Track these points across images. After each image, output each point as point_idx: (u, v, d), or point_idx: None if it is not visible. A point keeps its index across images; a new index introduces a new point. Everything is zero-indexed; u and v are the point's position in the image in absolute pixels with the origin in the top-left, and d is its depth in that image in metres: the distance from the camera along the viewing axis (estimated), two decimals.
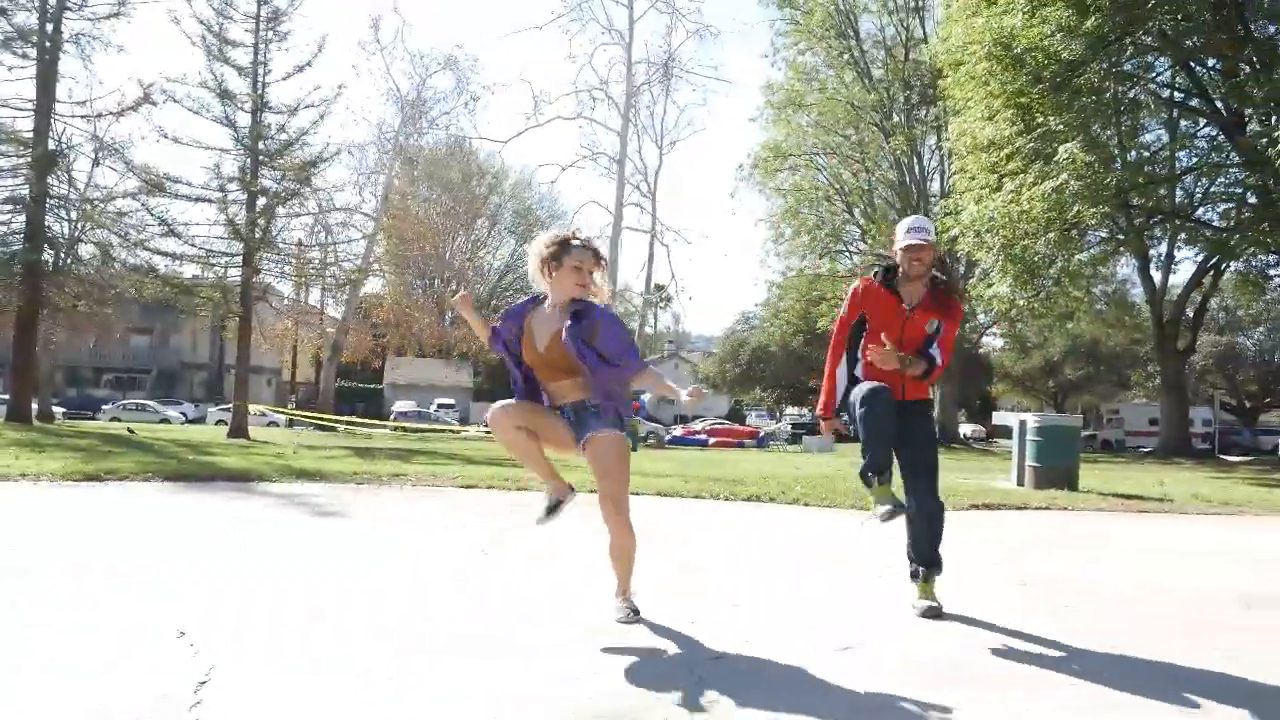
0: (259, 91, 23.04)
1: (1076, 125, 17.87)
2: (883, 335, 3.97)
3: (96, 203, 22.67)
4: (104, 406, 42.17)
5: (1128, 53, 18.93)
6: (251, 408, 28.90)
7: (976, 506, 8.77)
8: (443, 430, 31.81)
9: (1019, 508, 8.91)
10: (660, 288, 43.70)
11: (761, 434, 39.44)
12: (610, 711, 2.56)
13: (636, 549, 3.62)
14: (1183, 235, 27.66)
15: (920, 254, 3.98)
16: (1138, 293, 37.96)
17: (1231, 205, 22.69)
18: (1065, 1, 17.25)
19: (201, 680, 2.70)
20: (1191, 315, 33.60)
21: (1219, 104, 20.06)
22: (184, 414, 43.60)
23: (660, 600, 3.91)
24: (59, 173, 22.35)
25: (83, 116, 22.40)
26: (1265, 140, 16.04)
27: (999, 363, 53.39)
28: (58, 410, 31.46)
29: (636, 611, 3.60)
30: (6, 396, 25.23)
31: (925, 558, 4.03)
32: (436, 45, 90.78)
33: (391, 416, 39.83)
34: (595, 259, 3.60)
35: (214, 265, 23.79)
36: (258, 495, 8.04)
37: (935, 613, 3.93)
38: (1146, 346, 41.34)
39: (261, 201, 23.22)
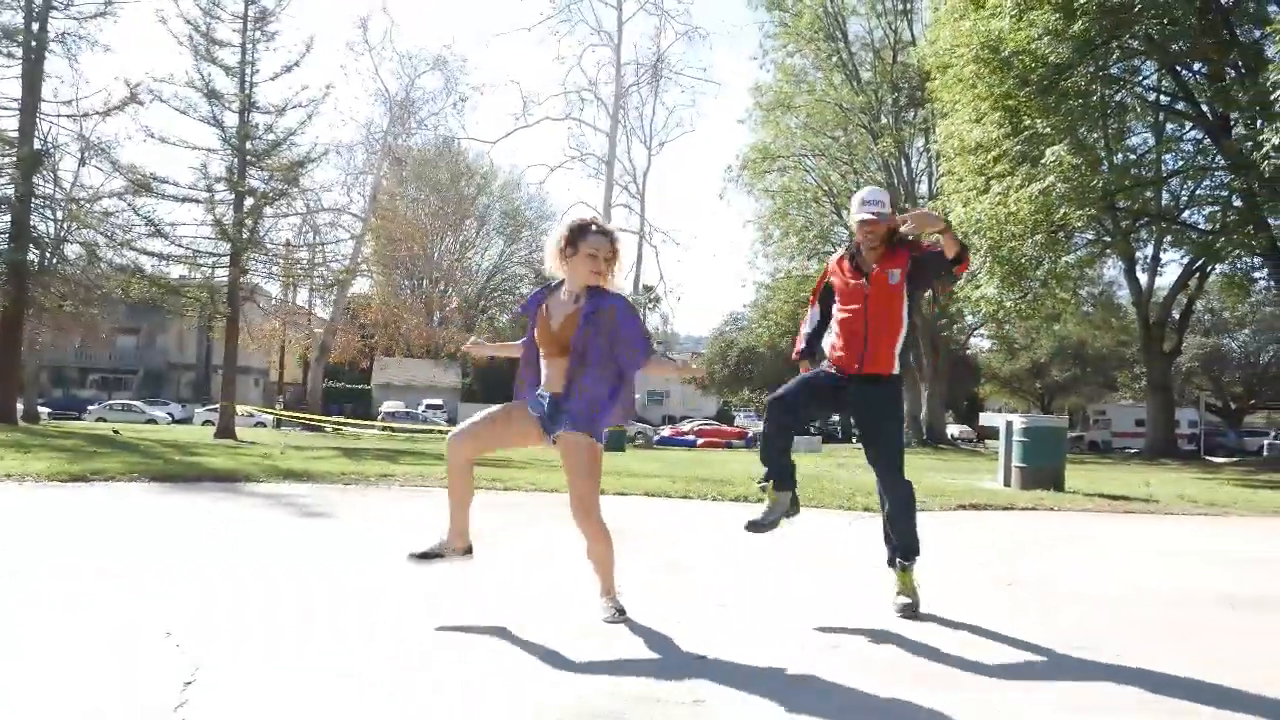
0: (246, 91, 22.92)
1: (1063, 128, 17.98)
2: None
3: (82, 202, 22.49)
4: (90, 407, 41.95)
5: (1114, 56, 19.04)
6: (239, 408, 28.80)
7: (963, 507, 8.80)
8: (431, 431, 31.70)
9: (1005, 508, 8.96)
10: (649, 288, 43.68)
11: (750, 434, 39.51)
12: (597, 712, 2.56)
13: (613, 549, 3.65)
14: (1169, 238, 27.80)
15: (870, 228, 4.05)
16: (1124, 295, 38.28)
17: (1217, 208, 22.81)
18: (1052, 5, 17.34)
19: (187, 680, 2.69)
20: (1177, 317, 33.86)
21: (1205, 108, 20.19)
22: (170, 414, 43.44)
23: (648, 600, 3.92)
24: (44, 172, 22.16)
25: (69, 116, 22.24)
26: (1250, 144, 16.14)
27: (986, 364, 53.72)
28: (43, 411, 31.24)
29: (622, 611, 3.61)
30: None
31: (896, 541, 4.04)
32: (425, 46, 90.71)
33: (379, 417, 39.73)
34: (612, 246, 3.63)
35: (201, 265, 23.63)
36: (245, 496, 7.99)
37: (912, 611, 3.90)
38: (1133, 348, 41.69)
39: (249, 202, 23.10)
